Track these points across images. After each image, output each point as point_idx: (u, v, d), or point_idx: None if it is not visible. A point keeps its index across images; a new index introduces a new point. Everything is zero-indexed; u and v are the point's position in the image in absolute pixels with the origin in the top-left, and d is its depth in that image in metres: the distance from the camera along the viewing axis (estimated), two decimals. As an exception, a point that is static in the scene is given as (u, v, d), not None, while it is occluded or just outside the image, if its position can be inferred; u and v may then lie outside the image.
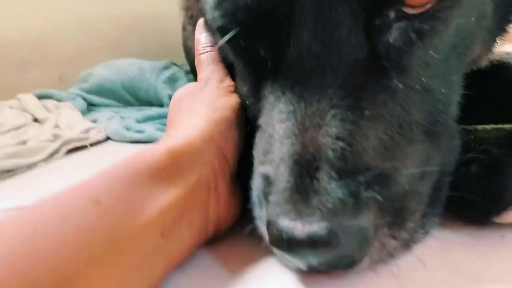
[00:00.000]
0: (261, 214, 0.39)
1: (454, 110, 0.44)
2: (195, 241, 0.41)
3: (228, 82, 0.54)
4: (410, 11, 0.37)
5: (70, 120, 1.19)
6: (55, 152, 1.00)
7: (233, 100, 0.50)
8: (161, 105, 1.30)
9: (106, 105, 1.39)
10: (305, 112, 0.36)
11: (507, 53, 0.62)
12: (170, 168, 0.38)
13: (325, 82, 0.36)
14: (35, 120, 1.25)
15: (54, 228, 0.29)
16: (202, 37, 0.59)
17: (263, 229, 0.38)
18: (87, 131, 1.11)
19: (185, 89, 0.54)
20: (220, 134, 0.44)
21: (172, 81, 1.34)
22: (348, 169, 0.33)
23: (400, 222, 0.35)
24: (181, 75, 1.38)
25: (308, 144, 0.35)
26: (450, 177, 0.41)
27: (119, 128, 1.08)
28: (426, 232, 0.39)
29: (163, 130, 1.06)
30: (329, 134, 0.35)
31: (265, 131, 0.40)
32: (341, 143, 0.34)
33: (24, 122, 1.19)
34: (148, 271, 0.34)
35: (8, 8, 1.58)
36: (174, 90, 1.32)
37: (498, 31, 0.52)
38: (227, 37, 0.42)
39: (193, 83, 0.56)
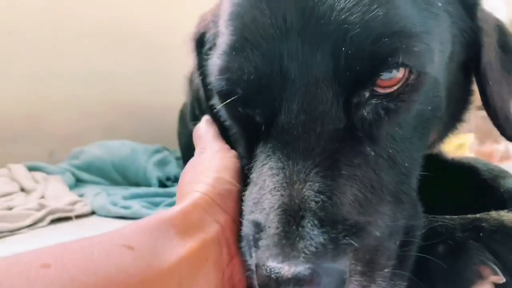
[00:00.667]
0: (249, 262, 0.42)
1: (414, 183, 0.51)
2: None
3: (220, 145, 0.59)
4: (380, 91, 0.46)
5: (57, 192, 1.21)
6: (40, 220, 1.01)
7: (226, 161, 0.54)
8: (149, 186, 1.34)
9: (94, 182, 1.42)
10: (293, 169, 0.42)
11: (474, 158, 0.70)
12: (183, 225, 0.42)
13: (309, 145, 0.43)
14: (22, 189, 1.26)
15: (100, 264, 0.33)
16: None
17: (252, 278, 0.42)
18: (73, 203, 1.13)
19: (190, 161, 0.59)
20: (219, 195, 0.48)
21: (162, 164, 1.39)
22: (328, 219, 0.38)
23: (371, 273, 0.39)
24: (171, 159, 1.44)
25: (294, 196, 0.40)
26: (416, 242, 0.45)
27: (105, 203, 1.11)
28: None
29: (149, 208, 1.09)
30: (312, 188, 0.40)
31: (256, 184, 0.46)
32: (322, 196, 0.40)
33: (11, 190, 1.20)
34: None
35: (8, 82, 1.63)
36: (163, 172, 1.37)
37: (450, 126, 0.63)
38: (228, 100, 0.50)
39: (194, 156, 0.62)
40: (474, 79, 0.62)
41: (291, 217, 0.39)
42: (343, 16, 0.43)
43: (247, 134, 0.52)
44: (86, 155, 1.46)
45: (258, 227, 0.41)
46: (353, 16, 0.43)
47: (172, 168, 1.40)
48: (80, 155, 1.48)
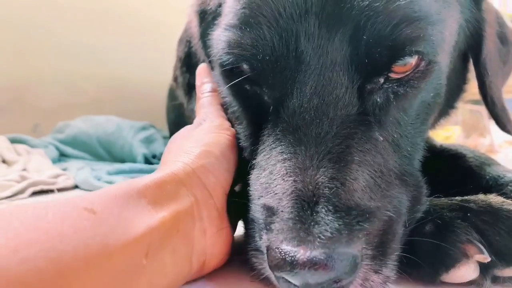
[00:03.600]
0: (258, 244, 0.42)
1: (417, 164, 0.51)
2: (178, 271, 0.42)
3: (220, 121, 0.56)
4: (393, 76, 0.46)
5: (39, 165, 1.19)
6: (20, 192, 0.99)
7: (222, 138, 0.52)
8: (134, 163, 1.32)
9: (78, 157, 1.40)
10: (305, 154, 0.42)
11: (461, 145, 0.70)
12: (156, 194, 0.41)
13: (322, 131, 0.43)
14: (4, 161, 1.24)
15: (54, 225, 0.32)
16: (204, 85, 0.63)
17: (257, 259, 0.43)
18: (55, 176, 1.11)
19: (180, 131, 0.58)
20: (202, 167, 0.47)
21: (148, 141, 1.38)
22: (342, 205, 0.39)
23: (382, 257, 0.40)
24: (158, 136, 1.42)
25: (308, 182, 0.40)
26: (413, 224, 0.46)
27: (88, 177, 1.09)
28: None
29: (133, 184, 1.07)
30: (326, 175, 0.40)
31: (265, 169, 0.45)
32: (336, 183, 0.40)
33: (-8, 162, 1.18)
34: None
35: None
36: (149, 150, 1.35)
37: (444, 112, 0.65)
38: (236, 78, 0.49)
39: (189, 125, 0.59)
40: (470, 68, 0.63)
41: (305, 203, 0.39)
42: (366, 2, 0.43)
43: (252, 114, 0.51)
44: (71, 129, 1.44)
45: (270, 211, 0.41)
46: (375, 2, 0.43)
47: (158, 146, 1.38)
48: (64, 129, 1.46)
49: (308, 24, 0.44)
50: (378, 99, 0.46)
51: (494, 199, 0.47)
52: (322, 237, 0.36)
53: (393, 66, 0.45)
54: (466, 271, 0.42)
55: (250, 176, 0.47)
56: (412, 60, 0.46)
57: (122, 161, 1.37)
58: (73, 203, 0.36)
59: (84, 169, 1.18)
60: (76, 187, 1.12)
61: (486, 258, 0.41)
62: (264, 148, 0.46)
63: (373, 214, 0.40)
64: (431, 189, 0.52)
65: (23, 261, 0.28)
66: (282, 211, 0.39)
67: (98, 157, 1.40)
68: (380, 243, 0.40)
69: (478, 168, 0.61)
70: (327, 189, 0.39)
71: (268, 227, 0.40)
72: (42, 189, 1.03)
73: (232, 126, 0.56)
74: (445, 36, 0.48)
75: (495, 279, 0.43)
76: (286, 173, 0.42)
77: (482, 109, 2.81)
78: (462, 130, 2.67)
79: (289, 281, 0.38)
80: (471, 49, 0.60)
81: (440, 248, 0.43)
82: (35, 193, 1.02)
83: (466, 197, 0.48)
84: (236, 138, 0.54)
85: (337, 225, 0.37)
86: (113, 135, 1.39)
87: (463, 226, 0.43)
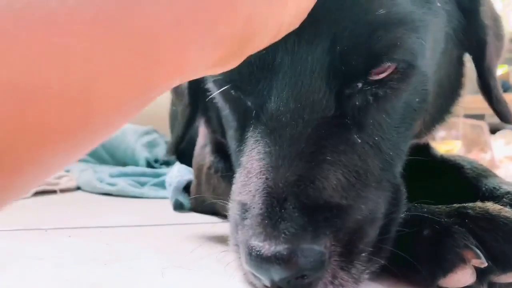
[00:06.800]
0: (236, 237, 0.44)
1: (398, 171, 0.52)
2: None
3: None
4: (372, 78, 0.47)
5: (42, 166, 1.20)
6: (23, 191, 1.00)
7: None
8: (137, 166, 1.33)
9: (81, 160, 1.41)
10: (279, 154, 0.43)
11: (461, 156, 0.71)
12: None
13: (296, 132, 0.44)
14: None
15: None
16: None
17: (237, 253, 0.44)
18: (58, 177, 1.12)
19: None
20: None
21: (151, 146, 1.39)
22: (310, 202, 0.40)
23: (349, 255, 0.41)
24: (161, 141, 1.43)
25: (278, 179, 0.41)
26: (394, 230, 0.46)
27: (91, 179, 1.10)
28: (369, 273, 0.43)
29: (135, 186, 1.08)
30: (296, 173, 0.42)
31: (245, 168, 0.47)
32: (305, 181, 0.41)
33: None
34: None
35: None
36: (152, 154, 1.36)
37: (438, 118, 0.64)
38: (222, 88, 0.51)
39: None
40: (465, 72, 0.64)
41: (275, 199, 0.40)
42: (342, 13, 0.44)
43: (238, 117, 0.53)
44: (75, 132, 1.45)
45: (244, 207, 0.43)
46: (352, 12, 0.44)
47: (161, 151, 1.39)
48: (68, 132, 1.46)
49: (286, 41, 0.45)
50: (357, 102, 0.47)
51: (491, 206, 0.47)
52: (287, 232, 0.37)
53: (370, 72, 0.46)
54: (463, 276, 0.42)
55: (236, 175, 0.49)
56: (389, 66, 0.47)
57: (125, 164, 1.38)
58: None
59: (87, 171, 1.20)
60: (78, 188, 1.12)
61: (483, 263, 0.42)
62: (246, 149, 0.48)
63: (344, 212, 0.41)
64: (430, 198, 0.52)
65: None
66: (253, 208, 0.41)
67: (101, 160, 1.42)
68: (349, 241, 0.41)
69: (475, 180, 0.62)
70: (296, 186, 0.40)
71: (242, 223, 0.42)
72: (45, 190, 1.04)
73: (225, 129, 0.58)
74: (426, 42, 0.49)
75: (492, 286, 0.43)
76: (260, 172, 0.43)
77: (483, 124, 2.82)
78: (463, 145, 2.67)
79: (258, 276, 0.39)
80: (472, 53, 0.61)
81: (438, 253, 0.44)
82: (38, 193, 1.03)
83: (463, 204, 0.49)
84: (228, 139, 0.56)
85: (303, 221, 0.38)
86: (116, 139, 1.40)
87: (461, 232, 0.44)
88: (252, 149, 0.47)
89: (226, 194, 0.77)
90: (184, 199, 0.91)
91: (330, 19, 0.44)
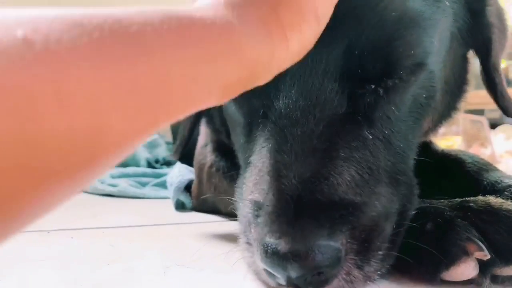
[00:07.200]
0: (249, 237, 0.44)
1: (411, 163, 0.51)
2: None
3: None
4: (385, 81, 0.46)
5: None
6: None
7: None
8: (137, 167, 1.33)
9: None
10: (290, 151, 0.43)
11: (461, 151, 0.71)
12: None
13: (307, 129, 0.44)
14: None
15: None
16: None
17: (249, 252, 0.44)
18: (60, 179, 1.12)
19: None
20: None
21: (151, 146, 1.39)
22: (325, 199, 0.40)
23: (366, 253, 0.40)
24: (161, 142, 1.43)
25: (292, 176, 0.41)
26: (407, 224, 0.46)
27: (93, 180, 1.10)
28: (384, 272, 0.43)
29: (136, 187, 1.08)
30: (310, 170, 0.41)
31: (256, 167, 0.46)
32: (319, 177, 0.41)
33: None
34: None
35: None
36: (152, 155, 1.36)
37: (446, 115, 0.64)
38: None
39: None
40: (469, 69, 0.64)
41: (289, 196, 0.40)
42: (356, 17, 0.44)
43: (245, 115, 0.53)
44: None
45: (257, 205, 0.42)
46: (368, 17, 0.44)
47: (161, 151, 1.39)
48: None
49: None
50: (369, 99, 0.46)
51: (493, 200, 0.47)
52: (303, 229, 0.37)
53: (384, 78, 0.46)
54: (466, 269, 0.43)
55: (246, 173, 0.49)
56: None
57: (126, 165, 1.37)
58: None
59: (88, 173, 1.19)
60: (79, 190, 1.12)
61: (486, 255, 0.42)
62: (256, 148, 0.48)
63: (358, 209, 0.41)
64: (432, 192, 0.53)
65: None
66: (267, 205, 0.41)
67: (101, 162, 1.41)
68: (365, 239, 0.41)
69: (476, 174, 0.62)
70: (310, 183, 0.40)
71: (255, 221, 0.42)
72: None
73: (232, 127, 0.58)
74: (436, 41, 0.49)
75: (495, 278, 0.44)
76: (272, 169, 0.43)
77: (483, 119, 2.82)
78: (463, 140, 2.67)
79: (273, 274, 0.39)
80: (478, 50, 0.61)
81: (440, 246, 0.44)
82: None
83: (466, 198, 0.49)
84: (233, 138, 0.56)
85: (318, 218, 0.38)
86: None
87: (463, 225, 0.44)
88: (262, 147, 0.46)
89: (228, 193, 0.78)
90: (185, 199, 0.91)
91: (345, 23, 0.44)
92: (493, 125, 2.48)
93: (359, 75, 0.45)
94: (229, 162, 0.78)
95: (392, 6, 0.45)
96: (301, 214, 0.38)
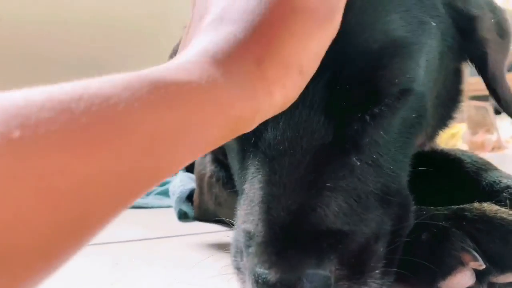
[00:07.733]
0: (240, 264, 0.45)
1: (404, 181, 0.52)
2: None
3: None
4: (372, 109, 0.46)
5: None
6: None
7: None
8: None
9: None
10: (279, 183, 0.44)
11: (461, 150, 0.71)
12: None
13: (295, 160, 0.44)
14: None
15: None
16: None
17: (240, 276, 0.45)
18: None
19: None
20: None
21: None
22: (312, 230, 0.41)
23: (359, 276, 0.41)
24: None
25: (281, 209, 0.42)
26: (403, 239, 0.46)
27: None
28: (386, 285, 0.44)
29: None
30: (297, 201, 0.42)
31: (248, 196, 0.47)
32: (306, 209, 0.42)
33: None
34: None
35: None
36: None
37: (440, 125, 0.66)
38: None
39: None
40: (463, 79, 0.64)
41: (278, 228, 0.41)
42: (341, 48, 0.43)
43: (238, 142, 0.53)
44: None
45: (249, 235, 0.43)
46: (349, 45, 0.44)
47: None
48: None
49: None
50: (356, 126, 0.46)
51: (488, 207, 0.48)
52: (292, 259, 0.38)
53: (370, 107, 0.46)
54: (463, 278, 0.43)
55: (239, 201, 0.50)
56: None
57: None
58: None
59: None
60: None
61: (481, 265, 0.42)
62: (248, 177, 0.49)
63: (346, 236, 0.41)
64: (431, 193, 0.53)
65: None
66: (257, 236, 0.42)
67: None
68: (356, 263, 0.41)
69: (475, 174, 0.62)
70: (297, 215, 0.41)
71: (247, 250, 0.43)
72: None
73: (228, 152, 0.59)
74: (423, 64, 0.49)
75: (491, 286, 0.44)
76: (262, 201, 0.44)
77: (488, 105, 2.79)
78: (468, 127, 2.65)
79: None
80: (474, 63, 0.61)
81: (436, 256, 0.44)
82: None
83: (461, 206, 0.49)
84: (229, 161, 0.57)
85: (306, 248, 0.39)
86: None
87: (458, 235, 0.44)
88: (253, 177, 0.47)
89: (228, 202, 0.78)
90: (187, 208, 0.92)
91: (328, 55, 0.42)
92: (498, 111, 2.44)
93: (344, 106, 0.45)
94: (229, 173, 0.78)
95: (375, 36, 0.45)
96: (290, 244, 0.40)
